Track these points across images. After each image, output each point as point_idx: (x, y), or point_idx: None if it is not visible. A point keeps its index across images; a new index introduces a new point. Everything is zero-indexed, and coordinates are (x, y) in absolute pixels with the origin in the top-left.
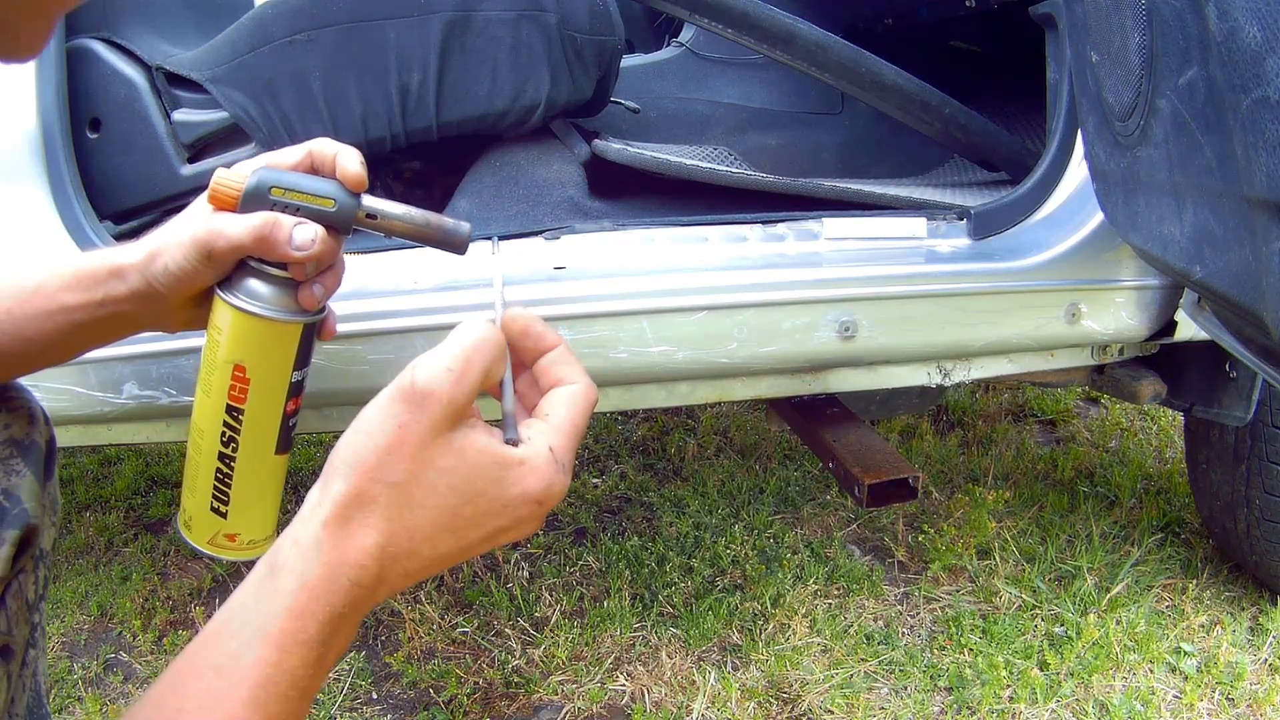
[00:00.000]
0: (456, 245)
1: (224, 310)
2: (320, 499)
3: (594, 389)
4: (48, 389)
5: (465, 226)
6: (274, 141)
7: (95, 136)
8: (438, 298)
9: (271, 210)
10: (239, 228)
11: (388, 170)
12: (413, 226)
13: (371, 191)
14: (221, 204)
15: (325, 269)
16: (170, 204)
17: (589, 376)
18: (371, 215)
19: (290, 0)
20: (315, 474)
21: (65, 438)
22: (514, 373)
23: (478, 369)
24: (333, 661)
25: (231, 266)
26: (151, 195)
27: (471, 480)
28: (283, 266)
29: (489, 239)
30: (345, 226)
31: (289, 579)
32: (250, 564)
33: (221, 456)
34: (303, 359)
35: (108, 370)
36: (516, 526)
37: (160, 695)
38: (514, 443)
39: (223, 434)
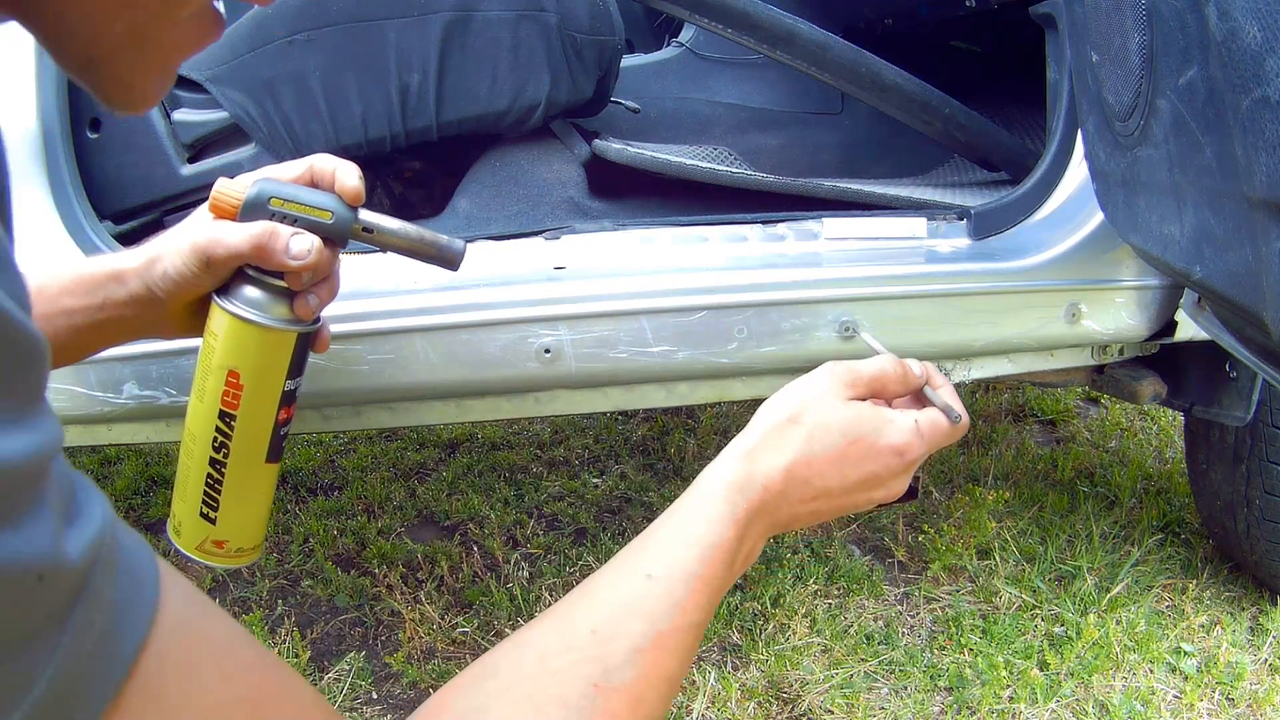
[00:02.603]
0: (450, 261)
1: (220, 316)
2: (744, 436)
3: (966, 423)
4: (49, 389)
5: (459, 244)
6: (274, 142)
7: (95, 136)
8: (437, 298)
9: (270, 220)
10: (238, 236)
11: (388, 170)
12: (407, 242)
13: (370, 191)
14: (222, 213)
15: (321, 280)
16: (170, 204)
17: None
18: (368, 229)
19: (290, 0)
20: (316, 474)
21: (65, 438)
22: (906, 400)
23: (871, 370)
24: (746, 553)
25: (230, 274)
26: (151, 195)
27: (857, 426)
28: (280, 276)
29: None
30: (341, 239)
31: (717, 482)
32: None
33: (213, 462)
34: (296, 368)
35: (108, 370)
36: (883, 478)
37: (628, 556)
38: (954, 416)
39: (214, 439)
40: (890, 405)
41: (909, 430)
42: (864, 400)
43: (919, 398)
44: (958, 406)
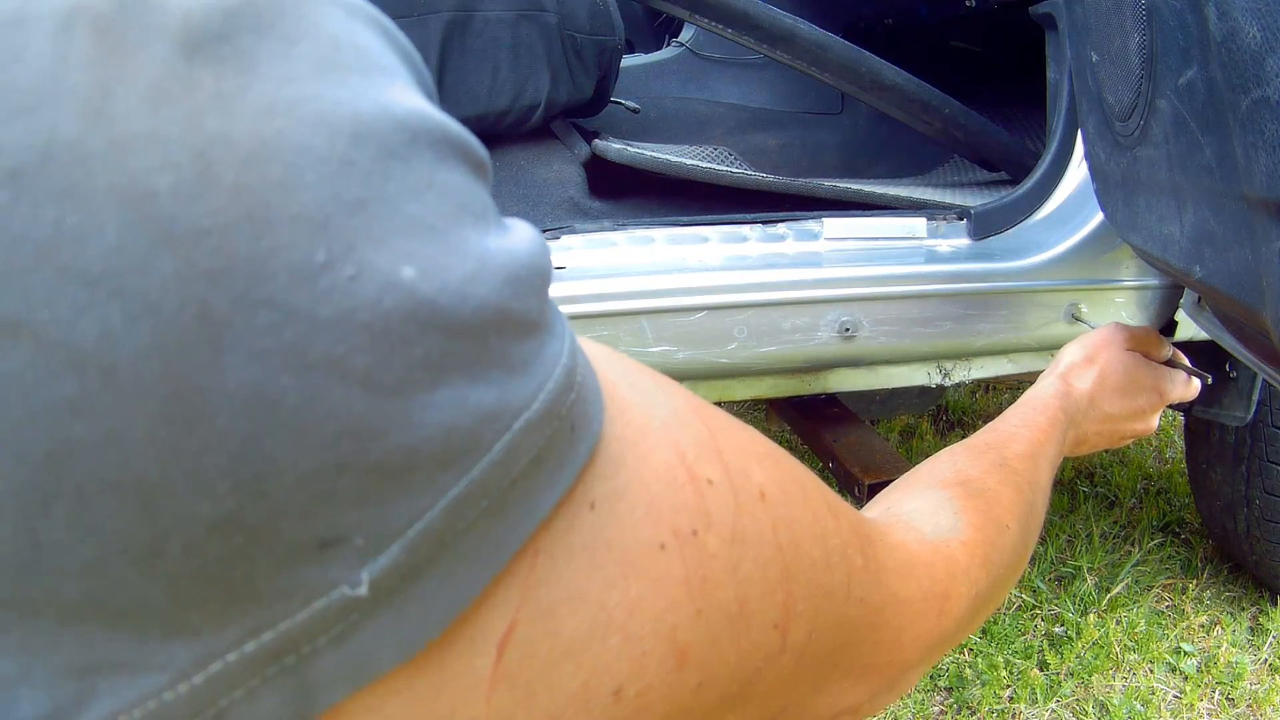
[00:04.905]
0: None
1: None
2: (1054, 367)
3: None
4: None
5: None
6: None
7: None
8: None
9: None
10: None
11: None
12: None
13: None
14: None
15: None
16: None
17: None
18: None
19: None
20: None
21: None
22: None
23: (1142, 333)
24: (1062, 451)
25: None
26: None
27: (1135, 368)
28: None
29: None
30: None
31: (1046, 393)
32: None
33: None
34: None
35: None
36: (1145, 412)
37: (987, 439)
38: (1199, 376)
39: None
40: None
41: (1167, 377)
42: (1135, 352)
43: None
44: (1200, 374)
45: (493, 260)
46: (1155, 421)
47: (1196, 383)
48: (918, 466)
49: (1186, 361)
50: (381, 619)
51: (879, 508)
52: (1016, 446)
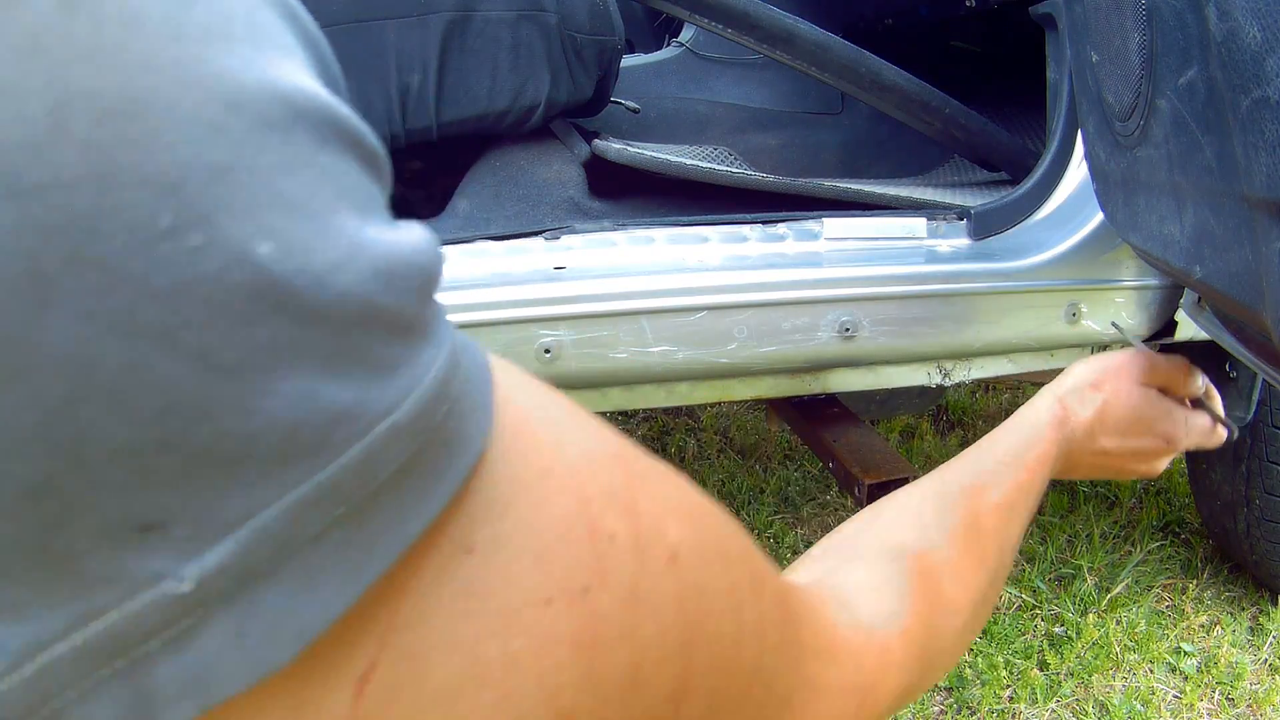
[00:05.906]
0: None
1: None
2: (1059, 383)
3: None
4: None
5: None
6: None
7: None
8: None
9: None
10: None
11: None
12: None
13: None
14: None
15: None
16: None
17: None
18: None
19: None
20: None
21: None
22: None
23: (1167, 366)
24: (1046, 483)
25: None
26: None
27: (1144, 408)
28: None
29: (1116, 328)
30: None
31: (1042, 420)
32: None
33: None
34: None
35: None
36: (1149, 456)
37: (975, 454)
38: (1226, 425)
39: None
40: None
41: (1182, 424)
42: (1152, 387)
43: (1194, 402)
44: (1229, 422)
45: (365, 251)
46: (1160, 466)
47: (1222, 431)
48: (882, 503)
49: (1219, 406)
50: (219, 627)
51: (821, 566)
52: (994, 495)
